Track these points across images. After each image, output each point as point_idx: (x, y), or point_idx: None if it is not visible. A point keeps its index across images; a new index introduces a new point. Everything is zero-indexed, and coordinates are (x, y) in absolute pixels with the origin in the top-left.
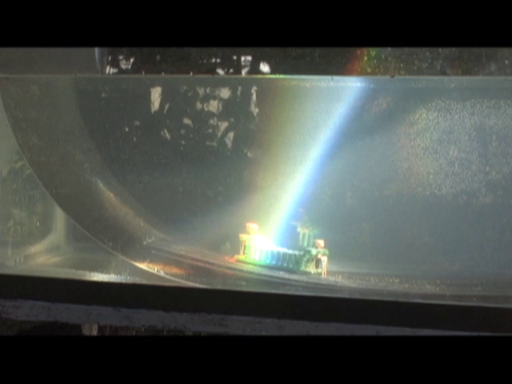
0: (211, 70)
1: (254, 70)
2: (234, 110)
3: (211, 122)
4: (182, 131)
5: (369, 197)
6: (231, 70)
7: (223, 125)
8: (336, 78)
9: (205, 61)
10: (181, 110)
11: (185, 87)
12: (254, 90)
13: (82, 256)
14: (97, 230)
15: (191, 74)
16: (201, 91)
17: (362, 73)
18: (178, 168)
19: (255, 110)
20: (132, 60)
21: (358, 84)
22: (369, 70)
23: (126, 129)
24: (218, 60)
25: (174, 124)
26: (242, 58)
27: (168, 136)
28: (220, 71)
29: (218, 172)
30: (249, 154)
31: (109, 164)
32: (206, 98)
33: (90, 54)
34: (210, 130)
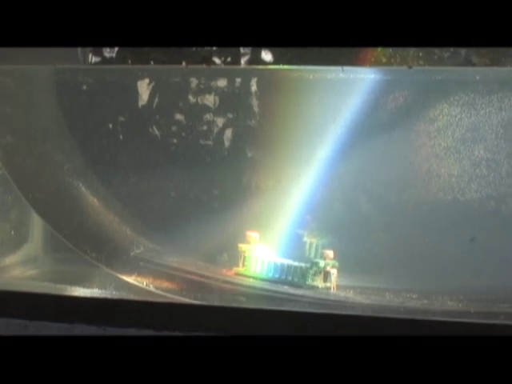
0: (206, 59)
1: (255, 59)
2: (233, 104)
3: (207, 117)
4: (174, 128)
5: (384, 202)
6: (229, 59)
7: (220, 121)
8: (346, 68)
9: (199, 50)
10: (172, 104)
11: (177, 78)
12: (254, 81)
13: (62, 268)
14: (78, 239)
15: (184, 63)
16: (195, 83)
17: (375, 63)
18: (169, 170)
19: (256, 105)
20: (117, 48)
21: (372, 76)
22: (383, 60)
23: (111, 126)
24: (214, 48)
25: (165, 120)
26: (241, 48)
27: (158, 134)
28: (216, 60)
29: (215, 174)
30: (249, 153)
31: (92, 165)
32: (201, 91)
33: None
34: (206, 127)
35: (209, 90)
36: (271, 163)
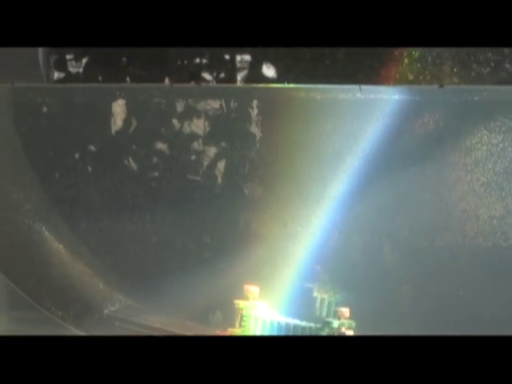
0: (195, 75)
1: (255, 75)
2: (227, 130)
3: (195, 146)
4: (155, 160)
5: (412, 250)
6: (222, 76)
7: (211, 151)
8: (365, 87)
9: (186, 62)
10: (153, 130)
11: (158, 99)
12: (253, 103)
13: (21, 329)
14: (41, 294)
15: (167, 81)
16: (181, 104)
17: (400, 81)
18: (149, 211)
19: (255, 131)
20: (85, 61)
21: (396, 96)
22: (410, 78)
23: (79, 156)
24: (204, 61)
25: (144, 150)
26: (238, 58)
27: (135, 166)
28: (207, 76)
29: (205, 216)
30: (247, 190)
31: (56, 205)
32: (188, 114)
33: (32, 56)
34: (194, 158)
35: (198, 112)
36: (274, 203)
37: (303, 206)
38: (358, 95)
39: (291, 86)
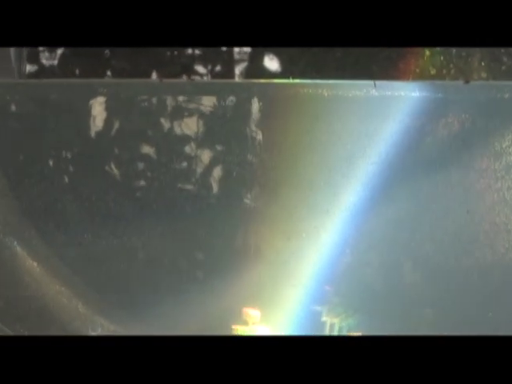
0: (186, 68)
1: (255, 68)
2: (223, 131)
3: (187, 151)
4: (141, 166)
5: (434, 268)
6: (218, 69)
7: (206, 156)
8: (381, 83)
9: (176, 53)
10: (138, 131)
11: (145, 95)
12: (254, 101)
13: None
14: (11, 316)
15: (154, 75)
16: (170, 102)
17: (421, 76)
18: (135, 223)
19: (256, 133)
20: (60, 52)
21: (416, 93)
22: (432, 72)
23: (54, 162)
24: (198, 52)
25: (129, 154)
26: (236, 49)
27: (118, 174)
28: (201, 69)
29: (198, 230)
30: (246, 201)
31: (29, 217)
32: (179, 114)
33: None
34: (186, 164)
35: (190, 112)
36: (277, 214)
37: (310, 218)
38: (373, 92)
39: (297, 81)
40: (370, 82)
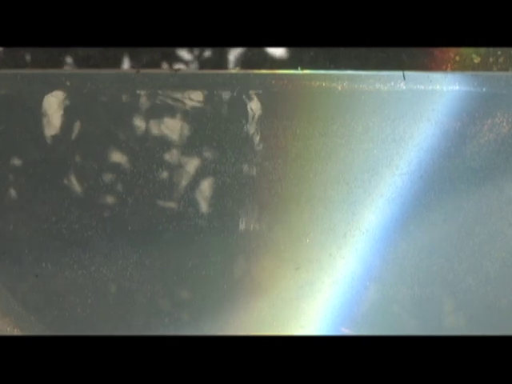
0: (167, 55)
1: (255, 56)
2: (214, 135)
3: (168, 159)
4: (110, 178)
5: (479, 306)
6: (207, 56)
7: (192, 165)
8: (411, 74)
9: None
10: (107, 135)
11: (115, 91)
12: (252, 96)
13: None
14: None
15: (127, 64)
16: (146, 98)
17: (461, 66)
18: (104, 250)
19: (255, 137)
20: None
21: (455, 87)
22: (476, 61)
23: None
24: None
25: (94, 164)
26: None
27: (79, 188)
28: (185, 57)
29: (184, 259)
30: (243, 223)
31: None
32: (158, 113)
33: None
34: (167, 175)
35: (172, 110)
36: (283, 239)
37: (323, 243)
38: (401, 85)
39: (307, 72)
40: (399, 73)
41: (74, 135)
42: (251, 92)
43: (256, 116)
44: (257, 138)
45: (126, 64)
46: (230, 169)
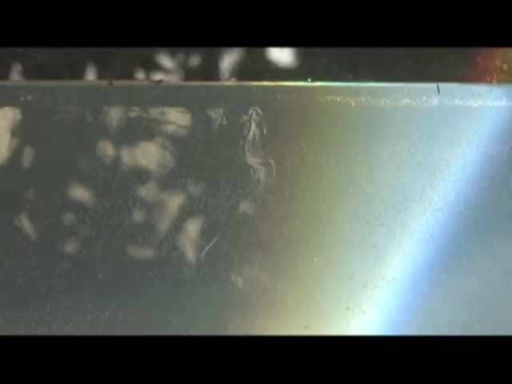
0: (145, 62)
1: (254, 64)
2: (203, 163)
3: (144, 194)
4: (70, 218)
5: None
6: (195, 64)
7: (175, 201)
8: (446, 86)
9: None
10: (66, 162)
11: (76, 107)
12: (252, 113)
13: None
14: None
15: (92, 75)
16: (118, 116)
17: (508, 77)
18: (62, 308)
19: (253, 163)
20: None
21: (501, 102)
22: None
23: None
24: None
25: (50, 199)
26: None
27: (33, 230)
28: (167, 64)
29: (166, 321)
30: (240, 273)
31: None
32: (132, 135)
33: None
34: (142, 214)
35: (150, 130)
36: (289, 290)
37: (339, 295)
38: (435, 100)
39: (318, 84)
40: (432, 86)
41: (26, 163)
42: (250, 109)
43: (256, 139)
44: (257, 166)
45: (92, 74)
46: (223, 204)
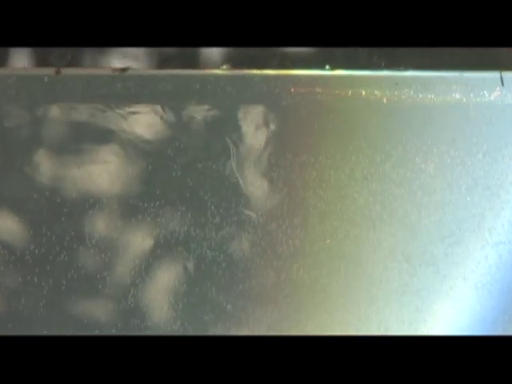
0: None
1: (252, 52)
2: (182, 181)
3: (99, 223)
4: (32, 247)
5: None
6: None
7: (143, 231)
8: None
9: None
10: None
11: (9, 104)
12: (249, 111)
13: None
14: None
15: (34, 61)
16: (65, 117)
17: None
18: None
19: (252, 184)
20: None
21: None
22: None
23: None
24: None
25: (14, 222)
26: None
27: None
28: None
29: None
30: (239, 328)
31: None
32: (84, 140)
33: None
34: (96, 253)
35: (109, 135)
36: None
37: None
38: (498, 94)
39: (339, 72)
40: (494, 75)
41: None
42: (247, 107)
43: (255, 147)
44: (257, 185)
45: (33, 59)
46: (211, 236)
